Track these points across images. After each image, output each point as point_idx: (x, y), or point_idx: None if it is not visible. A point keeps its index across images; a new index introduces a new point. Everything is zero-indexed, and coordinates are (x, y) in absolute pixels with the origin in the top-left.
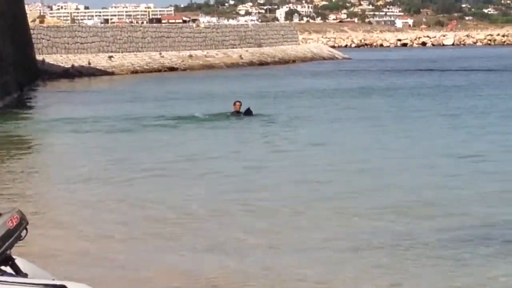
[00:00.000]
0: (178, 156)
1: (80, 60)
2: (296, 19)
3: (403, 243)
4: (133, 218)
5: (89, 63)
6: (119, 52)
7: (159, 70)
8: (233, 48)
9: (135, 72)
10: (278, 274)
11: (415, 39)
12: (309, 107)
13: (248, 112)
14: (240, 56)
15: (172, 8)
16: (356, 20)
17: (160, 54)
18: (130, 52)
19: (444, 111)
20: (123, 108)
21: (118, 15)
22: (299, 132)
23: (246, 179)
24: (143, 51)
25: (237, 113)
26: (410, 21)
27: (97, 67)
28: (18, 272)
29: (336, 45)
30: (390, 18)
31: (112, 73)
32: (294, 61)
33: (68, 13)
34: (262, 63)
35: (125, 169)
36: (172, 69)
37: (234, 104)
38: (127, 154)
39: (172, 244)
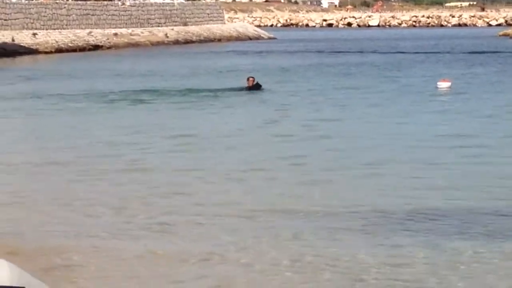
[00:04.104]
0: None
1: (3, 37)
2: None
3: None
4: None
5: (13, 40)
6: (43, 29)
7: (84, 48)
8: (159, 26)
9: (59, 50)
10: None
11: (341, 20)
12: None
13: (257, 86)
14: (166, 34)
15: None
16: (282, 0)
17: (90, 32)
18: (54, 29)
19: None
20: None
21: None
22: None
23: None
24: (67, 29)
25: (250, 88)
26: (337, 2)
27: (21, 44)
28: None
29: (262, 24)
30: None
31: (36, 51)
32: (219, 40)
33: None
34: (187, 42)
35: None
36: (97, 47)
37: (248, 79)
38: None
39: None
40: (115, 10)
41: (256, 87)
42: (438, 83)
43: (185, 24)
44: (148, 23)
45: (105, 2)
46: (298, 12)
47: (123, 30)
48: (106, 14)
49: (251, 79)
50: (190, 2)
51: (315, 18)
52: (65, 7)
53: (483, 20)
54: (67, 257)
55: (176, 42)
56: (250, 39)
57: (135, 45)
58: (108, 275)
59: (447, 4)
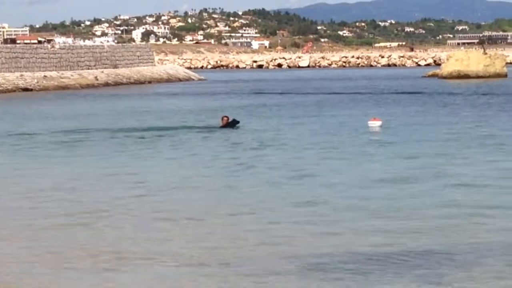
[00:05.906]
0: None
1: None
2: (152, 40)
3: None
4: None
5: None
6: None
7: (13, 91)
8: (89, 69)
9: None
10: None
11: (271, 61)
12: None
13: (233, 123)
14: (96, 77)
15: (27, 28)
16: (212, 41)
17: (21, 75)
18: None
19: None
20: None
21: None
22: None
23: None
24: None
25: (224, 126)
26: (267, 43)
27: None
28: None
29: (192, 66)
30: (247, 39)
31: None
32: (150, 82)
33: None
34: (117, 84)
35: None
36: (26, 89)
37: (222, 118)
38: None
39: None
40: (45, 53)
41: (231, 124)
42: (369, 122)
43: (115, 67)
44: (78, 65)
45: (35, 45)
46: (229, 53)
47: (53, 73)
48: (36, 57)
49: (225, 118)
50: (120, 44)
51: (245, 59)
52: None
53: (412, 60)
54: None
55: (106, 85)
56: (180, 80)
57: (65, 87)
58: None
59: (377, 45)
